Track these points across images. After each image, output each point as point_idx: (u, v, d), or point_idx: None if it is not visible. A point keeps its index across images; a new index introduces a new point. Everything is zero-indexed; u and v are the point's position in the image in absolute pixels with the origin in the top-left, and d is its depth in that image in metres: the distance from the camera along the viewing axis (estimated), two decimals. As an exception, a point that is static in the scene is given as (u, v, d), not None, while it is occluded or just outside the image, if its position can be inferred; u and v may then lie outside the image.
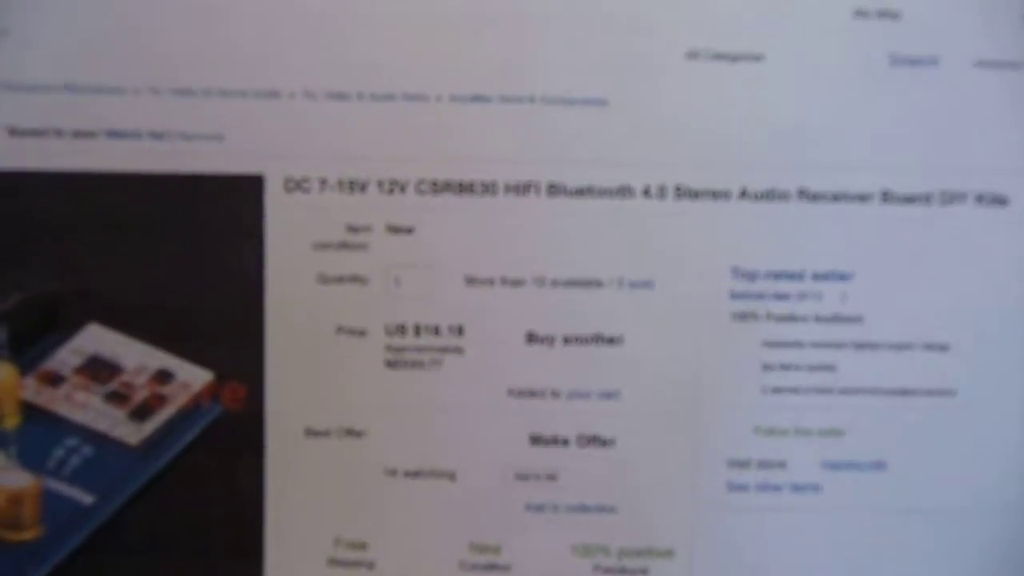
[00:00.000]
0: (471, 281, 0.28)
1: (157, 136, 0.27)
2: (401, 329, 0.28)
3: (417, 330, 0.28)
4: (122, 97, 0.27)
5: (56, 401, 0.28)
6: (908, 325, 0.28)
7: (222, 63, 0.27)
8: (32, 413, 0.28)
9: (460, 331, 0.28)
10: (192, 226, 0.27)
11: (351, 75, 0.27)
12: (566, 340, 0.28)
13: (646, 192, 0.28)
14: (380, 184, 0.27)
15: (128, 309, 0.27)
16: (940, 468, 0.28)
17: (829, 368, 0.28)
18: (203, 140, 0.27)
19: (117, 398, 0.28)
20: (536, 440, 0.28)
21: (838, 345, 0.28)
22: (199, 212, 0.27)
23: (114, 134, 0.27)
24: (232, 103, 0.27)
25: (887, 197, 0.28)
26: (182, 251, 0.27)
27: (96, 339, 0.28)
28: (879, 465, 0.28)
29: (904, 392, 0.28)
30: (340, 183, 0.27)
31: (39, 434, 0.28)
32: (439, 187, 0.27)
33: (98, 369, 0.28)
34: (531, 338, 0.28)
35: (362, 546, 0.27)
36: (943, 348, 0.28)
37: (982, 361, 0.28)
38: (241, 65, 0.27)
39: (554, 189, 0.27)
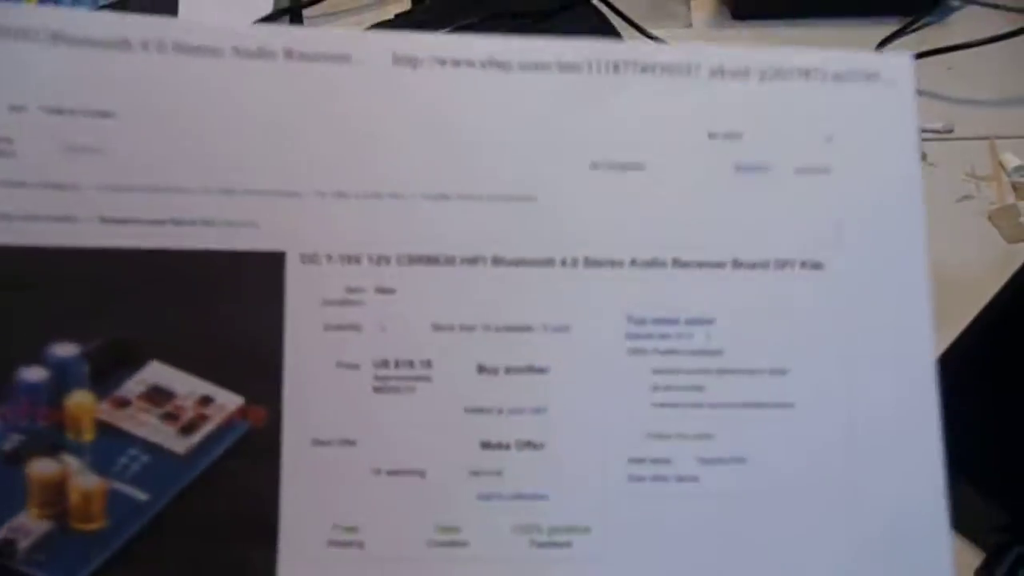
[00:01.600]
0: (437, 327, 0.34)
1: (207, 223, 0.35)
2: (385, 363, 0.34)
3: (397, 363, 0.34)
4: (183, 195, 0.35)
5: (123, 420, 0.33)
6: (756, 356, 0.35)
7: (258, 169, 0.35)
8: (105, 429, 0.33)
9: (429, 364, 0.34)
10: (232, 289, 0.34)
11: (350, 180, 0.34)
12: (507, 370, 0.34)
13: (563, 262, 0.35)
14: (371, 258, 0.34)
15: (182, 351, 0.34)
16: (785, 462, 0.34)
17: (699, 388, 0.34)
18: (241, 226, 0.34)
19: (170, 417, 0.34)
20: (486, 445, 0.34)
21: (705, 371, 0.34)
22: (237, 278, 0.34)
23: (176, 222, 0.35)
24: (264, 200, 0.35)
25: (736, 264, 0.35)
26: (223, 308, 0.34)
27: (156, 373, 0.34)
28: (740, 460, 0.34)
29: (756, 405, 0.34)
30: (342, 257, 0.34)
31: (108, 446, 0.33)
32: (414, 259, 0.34)
33: (157, 395, 0.34)
34: (481, 369, 0.34)
35: (353, 530, 0.33)
36: (783, 372, 0.36)
37: (811, 383, 0.35)
38: (271, 171, 0.34)
39: (497, 260, 0.34)
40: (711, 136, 0.36)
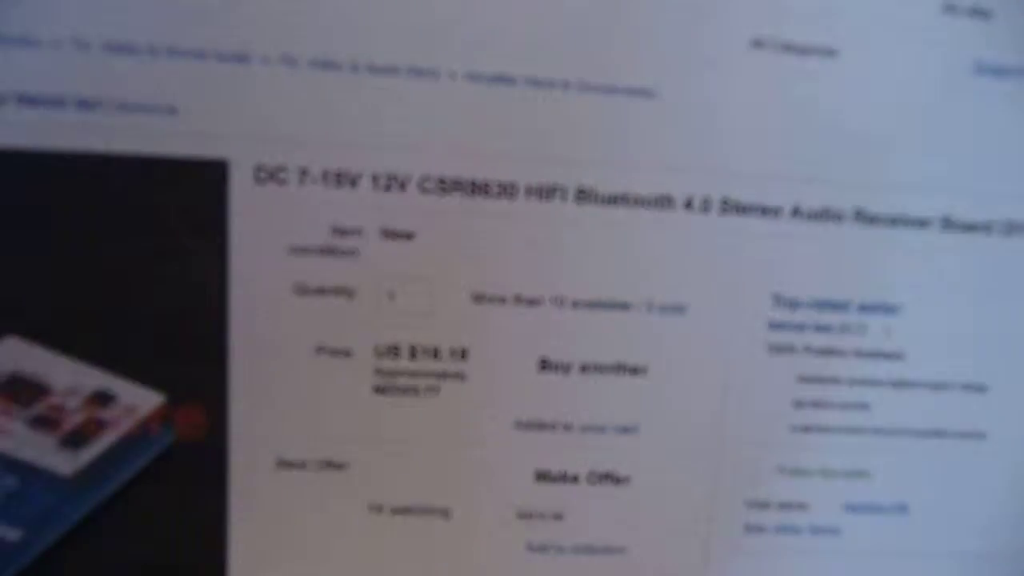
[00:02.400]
0: (479, 298, 0.21)
1: (86, 105, 0.19)
2: (394, 350, 0.21)
3: (413, 352, 0.21)
4: (38, 51, 0.18)
5: (-33, 424, 0.21)
6: (949, 364, 0.22)
7: (177, 13, 0.18)
8: None
9: (463, 354, 0.21)
10: (136, 221, 0.19)
11: (343, 39, 0.19)
12: (583, 368, 0.21)
13: (688, 204, 0.21)
14: (375, 179, 0.20)
15: (56, 320, 0.19)
16: (962, 512, 0.23)
17: (863, 407, 0.22)
18: (149, 113, 0.18)
19: (45, 423, 0.20)
20: (542, 476, 0.22)
21: (875, 383, 0.22)
22: (144, 203, 0.19)
23: (27, 100, 0.18)
24: (190, 68, 0.18)
25: (947, 223, 0.22)
26: (123, 251, 0.19)
27: (16, 355, 0.20)
28: (901, 508, 0.23)
29: (936, 434, 0.23)
30: (326, 175, 0.19)
31: (-53, 462, 0.21)
32: (447, 186, 0.20)
33: (20, 390, 0.20)
34: (544, 365, 0.21)
35: (341, 588, 0.22)
36: (980, 389, 0.23)
37: (1015, 403, 0.23)
38: (202, 17, 0.19)
39: (583, 195, 0.20)
40: (946, 10, 0.21)
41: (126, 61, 0.18)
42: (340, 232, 0.20)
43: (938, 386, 0.22)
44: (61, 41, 0.18)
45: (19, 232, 0.19)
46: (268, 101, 0.19)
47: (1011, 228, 0.22)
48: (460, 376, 0.21)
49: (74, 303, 0.19)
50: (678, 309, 0.21)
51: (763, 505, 0.22)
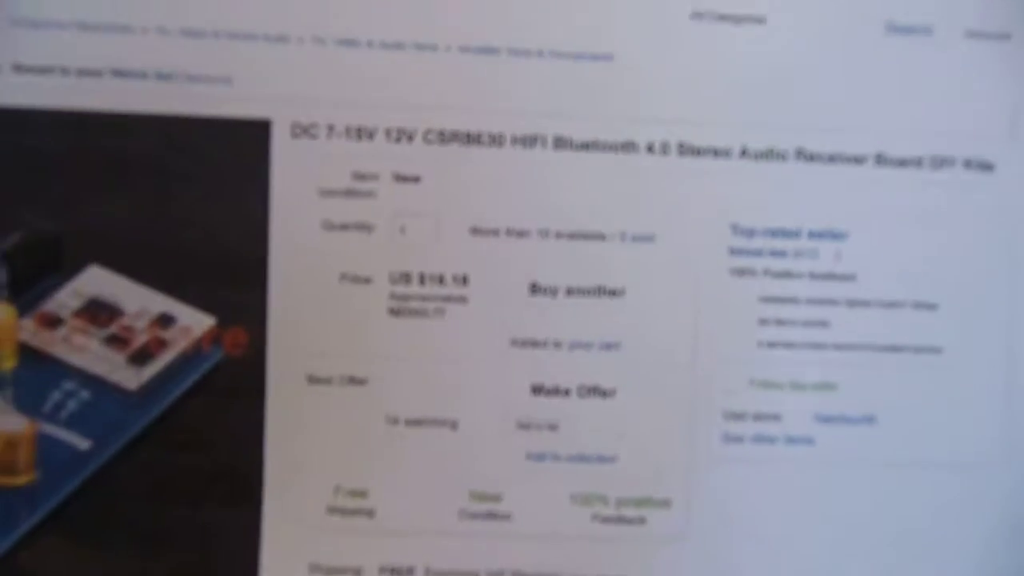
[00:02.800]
0: (476, 231, 0.24)
1: (163, 77, 0.23)
2: (406, 277, 0.24)
3: (422, 278, 0.24)
4: (129, 36, 0.23)
5: (54, 344, 0.24)
6: (899, 284, 0.25)
7: (232, 5, 0.23)
8: (29, 356, 0.24)
9: (464, 280, 0.24)
10: (196, 169, 0.24)
11: (361, 22, 0.24)
12: (569, 291, 0.25)
13: (649, 148, 0.25)
14: (388, 133, 0.24)
15: (129, 251, 0.24)
16: (928, 423, 0.25)
17: (823, 324, 0.25)
18: (210, 83, 0.23)
19: (117, 341, 0.24)
20: (538, 390, 0.25)
21: (832, 302, 0.25)
22: (204, 155, 0.24)
23: (120, 73, 0.23)
24: (241, 46, 0.23)
25: (880, 160, 0.25)
26: (185, 194, 0.24)
27: (96, 281, 0.24)
28: (870, 419, 0.25)
29: (894, 349, 0.25)
30: (348, 130, 0.24)
31: (36, 377, 0.24)
32: (447, 137, 0.24)
33: (98, 312, 0.24)
34: (534, 289, 0.25)
35: (362, 494, 0.24)
36: (931, 307, 0.25)
37: (967, 320, 0.25)
38: (251, 8, 0.23)
39: (560, 142, 0.24)
40: (857, -20, 0.25)
41: (195, 42, 0.24)
42: (360, 177, 0.24)
43: (891, 304, 0.25)
44: (147, 27, 0.23)
45: (105, 179, 0.24)
46: (302, 72, 0.24)
47: (939, 162, 0.25)
48: (462, 300, 0.24)
49: (145, 238, 0.24)
50: (648, 238, 0.25)
51: (739, 416, 0.25)
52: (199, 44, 0.23)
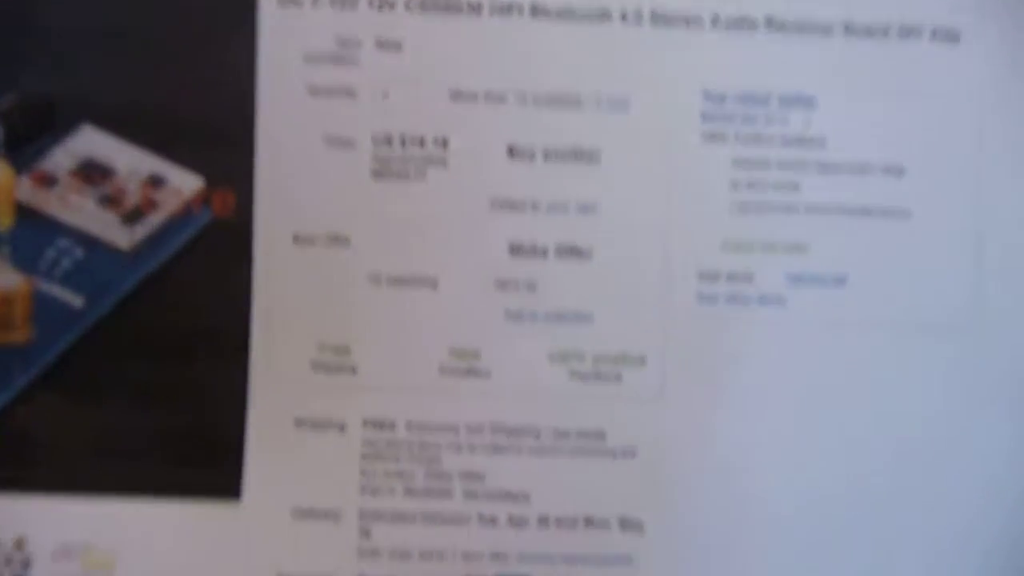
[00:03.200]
0: (456, 95, 0.25)
1: None
2: (388, 140, 0.25)
3: (403, 141, 0.25)
4: None
5: (49, 203, 0.25)
6: (868, 149, 0.25)
7: None
8: (26, 214, 0.25)
9: (444, 143, 0.25)
10: (187, 34, 0.24)
11: None
12: (546, 155, 0.25)
13: (623, 17, 0.25)
14: (370, 1, 0.25)
15: (122, 112, 0.25)
16: (898, 284, 0.25)
17: (794, 187, 0.25)
18: None
19: (110, 201, 0.25)
20: (516, 250, 0.25)
21: (802, 165, 0.25)
22: (194, 21, 0.24)
23: None
24: None
25: (848, 29, 0.26)
26: (176, 58, 0.25)
27: (90, 142, 0.25)
28: (840, 280, 0.25)
29: (864, 211, 0.25)
30: None
31: (32, 235, 0.25)
32: (427, 5, 0.25)
33: (91, 172, 0.25)
34: (512, 151, 0.25)
35: (345, 350, 0.25)
36: (899, 171, 0.26)
37: (936, 184, 0.26)
38: None
39: (536, 11, 0.25)
40: None
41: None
42: (344, 43, 0.25)
43: (860, 168, 0.26)
44: None
45: (98, 42, 0.25)
46: (288, -59, 0.25)
47: (906, 31, 0.26)
48: (443, 162, 0.25)
49: (136, 99, 0.25)
50: (622, 103, 0.26)
51: (712, 277, 0.25)
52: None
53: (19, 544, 0.24)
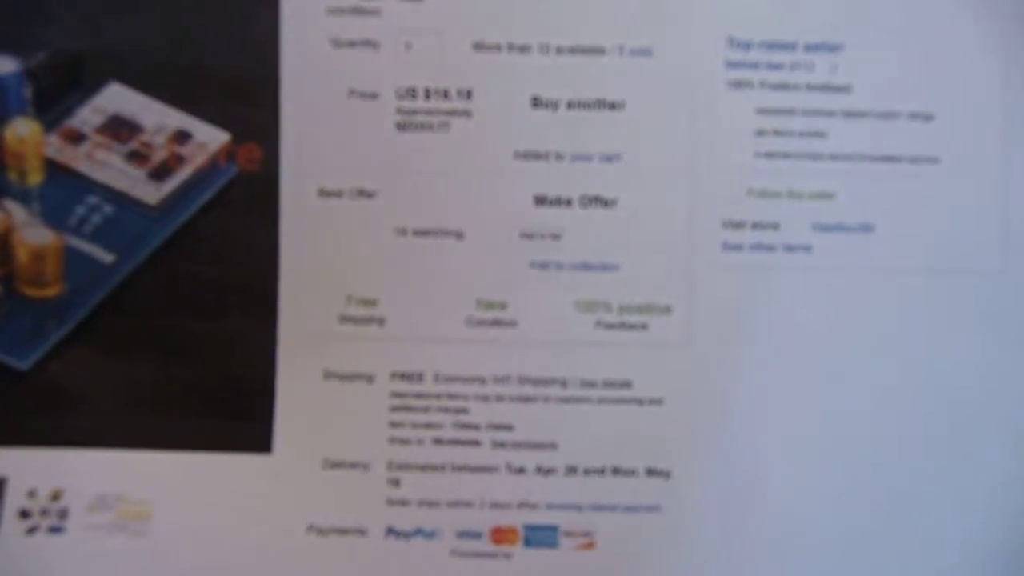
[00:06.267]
0: (479, 47, 0.25)
1: None
2: (411, 92, 0.25)
3: (427, 93, 0.25)
4: None
5: (78, 159, 0.25)
6: (894, 95, 0.25)
7: None
8: (55, 171, 0.25)
9: (468, 95, 0.25)
10: (211, -10, 0.24)
11: None
12: (569, 105, 0.25)
13: (647, -36, 0.26)
14: (393, -47, 0.24)
15: (148, 69, 0.24)
16: (925, 231, 0.25)
17: (820, 135, 0.25)
18: None
19: (137, 157, 0.25)
20: (541, 200, 0.25)
21: (828, 113, 0.25)
22: (217, -24, 0.24)
23: None
24: None
25: (876, -29, 0.26)
26: (201, 14, 0.24)
27: (117, 98, 0.25)
28: (867, 227, 0.25)
29: (891, 159, 0.25)
30: None
31: (62, 192, 0.25)
32: (449, -43, 0.24)
33: (119, 128, 0.25)
34: (536, 102, 0.25)
35: (373, 303, 0.25)
36: (927, 118, 0.25)
37: (963, 131, 0.25)
38: None
39: (559, -38, 0.24)
40: None
41: None
42: (366, -5, 0.25)
43: (887, 115, 0.25)
44: None
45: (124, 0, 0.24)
46: None
47: (933, -24, 0.25)
48: (467, 113, 0.25)
49: (162, 56, 0.24)
50: (645, 51, 0.25)
51: (738, 225, 0.25)
52: None
53: (55, 496, 0.24)
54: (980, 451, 0.25)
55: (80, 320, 0.25)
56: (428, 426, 0.25)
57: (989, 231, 0.25)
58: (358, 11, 0.25)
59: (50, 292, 0.25)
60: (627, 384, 0.25)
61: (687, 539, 0.24)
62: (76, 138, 0.25)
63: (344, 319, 0.25)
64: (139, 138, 0.25)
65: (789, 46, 0.25)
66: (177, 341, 0.25)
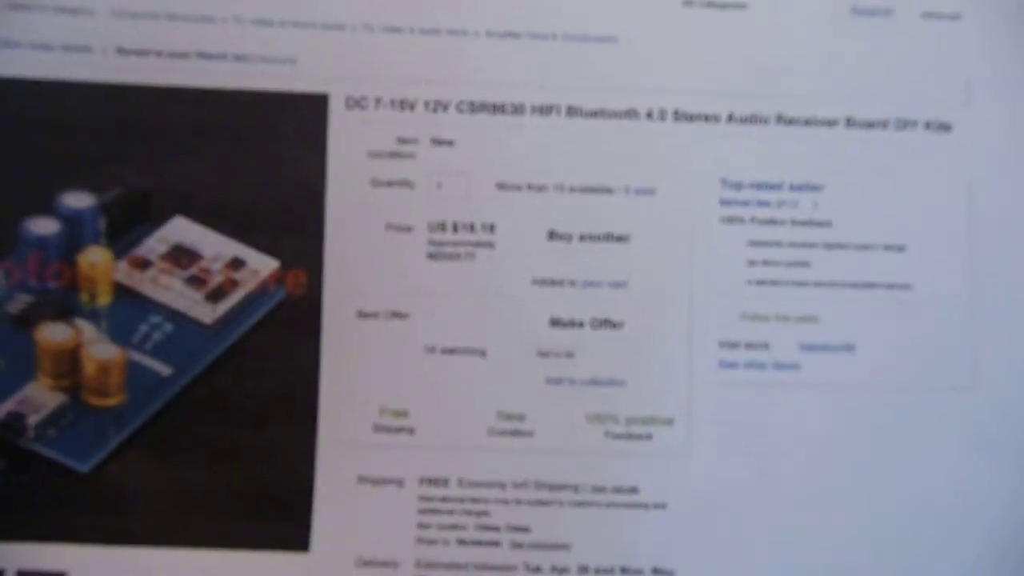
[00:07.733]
0: (501, 186, 0.28)
1: (239, 58, 0.27)
2: (442, 226, 0.28)
3: (455, 227, 0.28)
4: (211, 25, 0.27)
5: (143, 283, 0.27)
6: (870, 229, 0.28)
7: (299, 2, 0.28)
8: (123, 293, 0.27)
9: (492, 228, 0.28)
10: (266, 136, 0.27)
11: (404, 13, 0.28)
12: (581, 237, 0.28)
13: (648, 115, 0.28)
14: (426, 104, 0.28)
15: (209, 205, 0.27)
16: (901, 350, 0.27)
17: (804, 264, 0.28)
18: (278, 63, 0.27)
19: (196, 282, 0.28)
20: (556, 322, 0.27)
21: (812, 245, 0.28)
22: (273, 124, 0.27)
23: (203, 55, 0.27)
24: (304, 33, 0.27)
25: (851, 122, 0.28)
26: (257, 157, 0.27)
27: (180, 230, 0.27)
28: (849, 347, 0.27)
29: (868, 285, 0.28)
30: (392, 102, 0.27)
31: (127, 312, 0.27)
32: (476, 107, 0.28)
33: (181, 256, 0.28)
34: (552, 235, 0.28)
35: (404, 414, 0.27)
36: (900, 249, 0.28)
37: (933, 260, 0.28)
38: (314, 4, 0.28)
39: (572, 111, 0.28)
40: (825, -26, 0.29)
41: (265, 30, 0.28)
42: (403, 141, 0.28)
43: (864, 247, 0.28)
44: (226, 17, 0.27)
45: (189, 144, 0.28)
46: (355, 54, 0.28)
47: (903, 123, 0.29)
48: (490, 245, 0.28)
49: (221, 193, 0.28)
50: (649, 191, 0.28)
51: (732, 345, 0.28)
52: (268, 31, 0.28)
53: (112, 591, 0.26)
54: (958, 555, 0.27)
55: (138, 427, 0.27)
56: (453, 527, 0.27)
57: (960, 350, 0.28)
58: (395, 155, 0.28)
59: (112, 401, 0.27)
60: (634, 490, 0.27)
61: (690, 635, 0.26)
62: (143, 265, 0.28)
63: (378, 428, 0.27)
64: (198, 265, 0.28)
65: (776, 186, 0.28)
66: (226, 447, 0.27)
